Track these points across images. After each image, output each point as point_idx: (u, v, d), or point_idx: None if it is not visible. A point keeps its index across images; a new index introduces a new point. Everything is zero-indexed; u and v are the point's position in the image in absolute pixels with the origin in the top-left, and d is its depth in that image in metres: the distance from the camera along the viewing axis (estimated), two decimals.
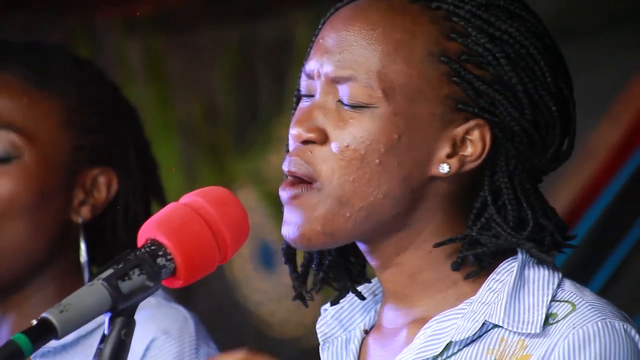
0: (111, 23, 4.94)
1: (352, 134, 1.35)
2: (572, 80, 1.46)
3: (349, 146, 1.35)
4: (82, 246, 2.13)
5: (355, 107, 1.36)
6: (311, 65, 1.40)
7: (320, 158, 1.36)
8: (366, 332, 1.47)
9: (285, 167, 1.39)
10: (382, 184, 1.35)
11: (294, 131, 1.38)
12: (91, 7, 4.73)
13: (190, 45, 5.58)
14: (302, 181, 1.37)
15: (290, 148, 1.41)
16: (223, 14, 5.00)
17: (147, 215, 2.22)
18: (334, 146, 1.36)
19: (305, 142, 1.37)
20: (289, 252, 1.47)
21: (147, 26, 5.28)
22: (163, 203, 2.29)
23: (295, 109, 1.45)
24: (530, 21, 1.40)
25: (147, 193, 2.27)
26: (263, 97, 5.10)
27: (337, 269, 1.47)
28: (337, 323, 1.49)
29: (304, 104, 1.41)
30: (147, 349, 1.91)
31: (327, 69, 1.37)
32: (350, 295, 1.48)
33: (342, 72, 1.37)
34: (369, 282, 1.49)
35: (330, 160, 1.36)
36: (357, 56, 1.36)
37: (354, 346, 1.46)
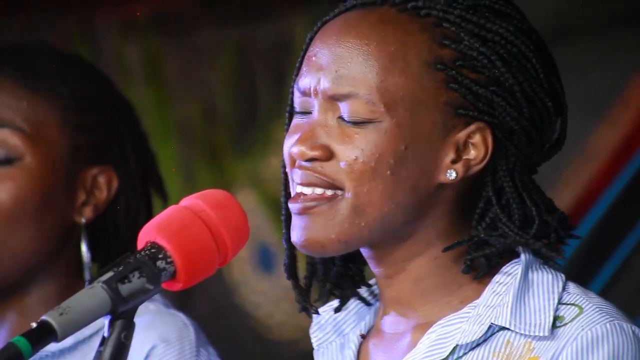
0: (110, 24, 4.94)
1: (359, 148, 1.35)
2: (572, 81, 1.47)
3: (358, 159, 1.35)
4: (83, 247, 2.13)
5: (357, 123, 1.36)
6: (306, 82, 1.39)
7: (332, 171, 1.36)
8: (363, 336, 1.47)
9: (298, 179, 1.38)
10: (395, 194, 1.35)
11: (295, 149, 1.38)
12: (90, 8, 4.73)
13: (189, 47, 5.57)
14: (321, 195, 1.37)
15: (289, 165, 1.40)
16: (222, 15, 5.00)
17: (149, 211, 2.23)
18: (341, 161, 1.36)
19: (310, 160, 1.37)
20: (292, 268, 1.47)
21: (146, 27, 5.28)
22: (163, 195, 2.30)
23: (288, 125, 1.45)
24: (517, 18, 1.41)
25: (147, 188, 2.28)
26: (262, 98, 5.10)
27: (343, 278, 1.47)
28: (331, 328, 1.49)
29: (300, 120, 1.41)
30: (146, 357, 1.90)
31: (325, 86, 1.37)
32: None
33: (341, 90, 1.36)
34: (369, 286, 1.50)
35: (341, 174, 1.36)
36: (355, 72, 1.36)
37: (350, 351, 1.45)
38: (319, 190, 1.37)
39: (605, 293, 4.12)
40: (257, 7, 4.73)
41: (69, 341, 1.98)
